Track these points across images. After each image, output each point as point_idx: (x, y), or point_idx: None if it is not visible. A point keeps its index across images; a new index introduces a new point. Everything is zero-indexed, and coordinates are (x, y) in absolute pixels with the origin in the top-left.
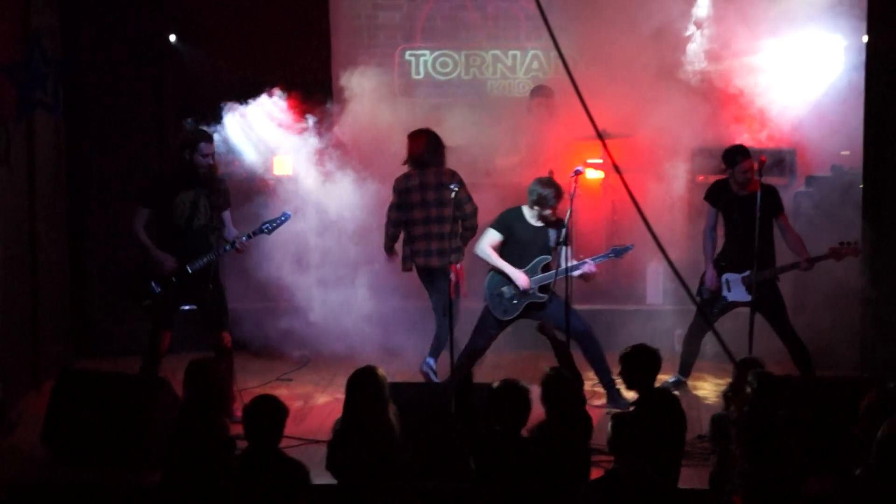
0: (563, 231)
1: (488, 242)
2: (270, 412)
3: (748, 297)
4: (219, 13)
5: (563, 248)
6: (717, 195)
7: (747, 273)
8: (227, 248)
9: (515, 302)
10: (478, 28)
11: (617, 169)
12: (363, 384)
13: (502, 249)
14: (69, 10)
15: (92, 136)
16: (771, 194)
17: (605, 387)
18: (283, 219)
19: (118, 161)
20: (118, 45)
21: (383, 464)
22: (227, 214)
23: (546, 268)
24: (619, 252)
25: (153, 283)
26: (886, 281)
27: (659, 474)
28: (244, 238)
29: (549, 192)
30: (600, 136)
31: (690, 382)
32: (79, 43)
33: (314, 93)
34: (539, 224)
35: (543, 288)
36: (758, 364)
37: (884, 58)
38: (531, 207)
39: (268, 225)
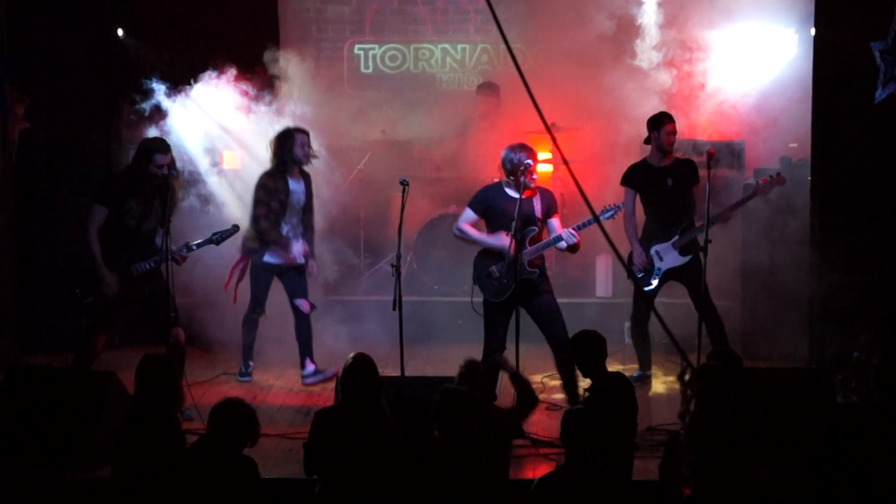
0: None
1: (464, 220)
2: (237, 419)
3: (683, 259)
4: (166, 7)
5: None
6: (633, 176)
7: (675, 238)
8: (178, 253)
9: (506, 281)
10: (427, 22)
11: (565, 161)
12: (359, 371)
13: (485, 228)
14: (15, 8)
15: (40, 131)
16: (687, 166)
17: (569, 399)
18: (233, 231)
19: (66, 157)
20: (65, 41)
21: (379, 453)
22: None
23: (534, 240)
24: (608, 214)
25: (96, 282)
26: (834, 273)
27: (610, 466)
28: (194, 246)
29: (520, 155)
30: (548, 128)
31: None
32: (26, 40)
33: (263, 87)
34: (521, 196)
35: (532, 263)
36: (722, 357)
37: (831, 49)
38: (508, 178)
39: (217, 235)
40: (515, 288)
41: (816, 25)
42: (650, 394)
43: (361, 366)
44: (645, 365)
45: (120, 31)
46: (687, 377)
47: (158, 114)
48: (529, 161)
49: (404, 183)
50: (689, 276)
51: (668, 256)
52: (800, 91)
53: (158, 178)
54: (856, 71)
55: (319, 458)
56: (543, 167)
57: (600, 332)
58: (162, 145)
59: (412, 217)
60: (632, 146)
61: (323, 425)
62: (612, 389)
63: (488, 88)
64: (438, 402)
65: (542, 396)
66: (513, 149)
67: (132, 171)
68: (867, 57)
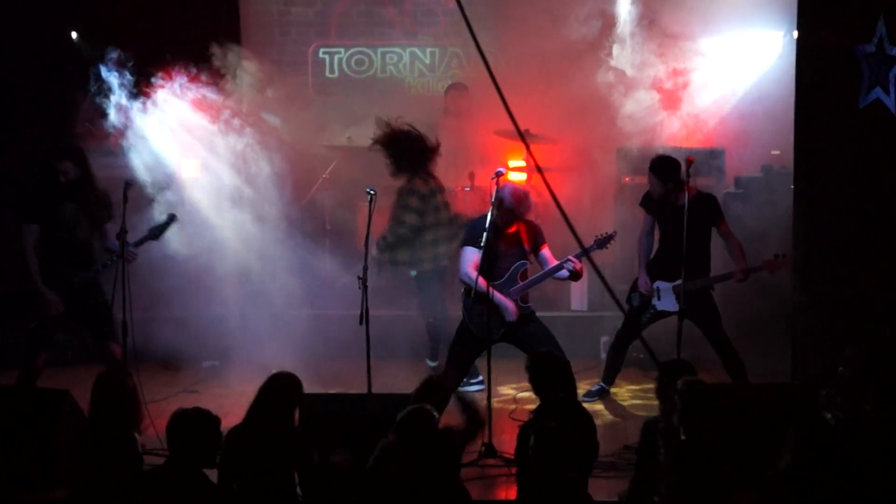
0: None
1: (469, 263)
2: (197, 428)
3: (677, 307)
4: (121, 9)
5: (542, 252)
6: (652, 202)
7: (678, 282)
8: (110, 260)
9: (499, 321)
10: (394, 25)
11: (539, 169)
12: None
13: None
14: None
15: None
16: (708, 202)
17: None
18: (170, 221)
19: (15, 167)
20: (18, 42)
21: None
22: (109, 227)
23: (524, 275)
24: (602, 242)
25: (36, 301)
26: (817, 287)
27: (566, 489)
28: (132, 246)
29: (504, 197)
30: (522, 136)
31: (617, 391)
32: None
33: (222, 91)
34: (509, 231)
35: (524, 298)
36: (688, 368)
37: (814, 53)
38: (498, 214)
39: (155, 229)
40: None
41: (798, 29)
42: (627, 410)
43: (277, 385)
44: (609, 380)
45: (73, 34)
46: (666, 393)
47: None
48: (501, 170)
49: (371, 192)
50: (695, 316)
51: (665, 299)
52: (781, 97)
53: (64, 182)
54: (839, 76)
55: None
56: (516, 175)
57: (571, 350)
58: (57, 151)
59: (380, 227)
60: (607, 153)
61: (232, 444)
62: (565, 414)
63: (458, 88)
64: (401, 419)
65: (513, 415)
66: (508, 188)
67: (46, 181)
68: (851, 61)
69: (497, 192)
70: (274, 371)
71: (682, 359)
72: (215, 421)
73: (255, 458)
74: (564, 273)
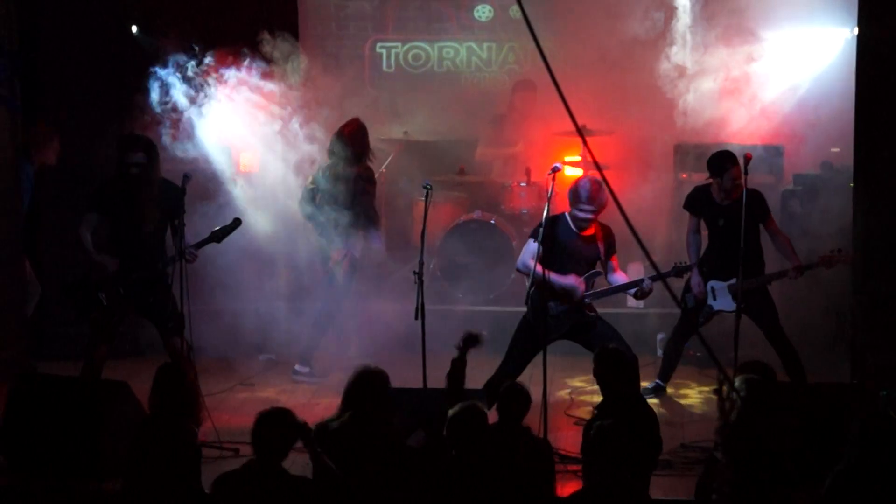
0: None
1: (529, 254)
2: (281, 428)
3: (734, 306)
4: (182, 4)
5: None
6: (697, 204)
7: (733, 281)
8: (175, 258)
9: (563, 318)
10: (451, 19)
11: (598, 166)
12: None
13: (543, 260)
14: (27, 4)
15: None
16: (756, 199)
17: None
18: (234, 225)
19: (76, 159)
20: (79, 37)
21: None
22: (177, 220)
23: (594, 284)
24: (680, 271)
25: (100, 294)
26: (877, 284)
27: (631, 484)
28: (192, 248)
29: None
30: (580, 132)
31: (673, 390)
32: (38, 36)
33: (282, 85)
34: (585, 234)
35: (590, 307)
36: (763, 370)
37: (874, 50)
38: (572, 212)
39: (217, 232)
40: (569, 329)
41: (859, 24)
42: (684, 408)
43: (368, 379)
44: (665, 378)
45: (134, 29)
46: (725, 391)
47: (173, 114)
48: (557, 165)
49: (427, 187)
50: (753, 313)
51: (721, 298)
52: (842, 93)
53: (133, 175)
54: None
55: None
56: (572, 171)
57: (631, 347)
58: (129, 142)
59: (436, 222)
60: (665, 149)
61: (325, 440)
62: (628, 411)
63: (527, 86)
64: (450, 422)
65: (569, 411)
66: (580, 184)
67: (116, 173)
68: None
69: (573, 191)
70: (360, 366)
71: (759, 361)
72: (294, 422)
73: (352, 452)
74: (633, 291)
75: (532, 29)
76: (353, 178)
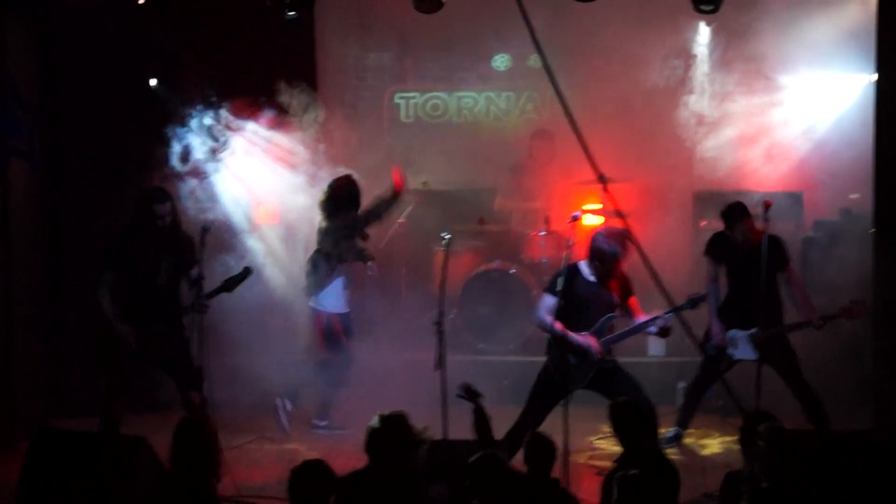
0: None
1: (546, 309)
2: (318, 480)
3: (755, 356)
4: (201, 55)
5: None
6: (717, 249)
7: (754, 330)
8: (190, 309)
9: (584, 369)
10: (469, 70)
11: (621, 215)
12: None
13: (561, 311)
14: (48, 57)
15: (71, 186)
16: (776, 245)
17: None
18: (245, 274)
19: (98, 213)
20: (99, 91)
21: None
22: (194, 272)
23: (612, 328)
24: (695, 302)
25: (118, 349)
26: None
27: None
28: (204, 298)
29: (615, 247)
30: (603, 179)
31: (694, 440)
32: (58, 90)
33: (300, 136)
34: (599, 280)
35: (608, 351)
36: (769, 418)
37: (893, 96)
38: (591, 263)
39: (229, 281)
40: (590, 379)
41: (878, 70)
42: (706, 458)
43: (390, 427)
44: (684, 424)
45: (153, 82)
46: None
47: (193, 165)
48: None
49: (447, 237)
50: (774, 362)
51: (742, 347)
52: (860, 139)
53: (162, 227)
54: None
55: None
56: (592, 219)
57: (651, 396)
58: (159, 195)
59: (455, 272)
60: (684, 196)
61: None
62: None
63: (544, 136)
64: (470, 470)
65: (590, 462)
66: (607, 237)
67: (137, 222)
68: None
69: (592, 244)
70: (380, 414)
71: (763, 410)
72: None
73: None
74: (654, 329)
75: (553, 78)
76: (332, 229)
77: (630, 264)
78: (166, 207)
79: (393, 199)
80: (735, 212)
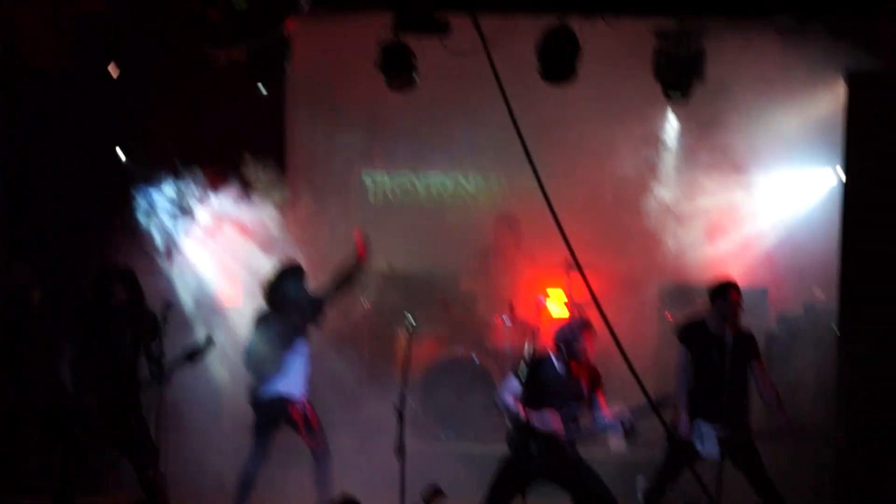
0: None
1: (509, 391)
2: None
3: (718, 457)
4: (170, 126)
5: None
6: (690, 335)
7: (720, 428)
8: (150, 382)
9: (546, 457)
10: (439, 152)
11: (597, 302)
12: None
13: (526, 399)
14: (14, 121)
15: (31, 254)
16: (747, 339)
17: None
18: (206, 344)
19: (58, 284)
20: (64, 158)
21: None
22: (154, 347)
23: (577, 419)
24: (662, 403)
25: (71, 423)
26: (859, 426)
27: None
28: (165, 371)
29: (575, 331)
30: (580, 268)
31: None
32: (23, 155)
33: (265, 213)
34: (567, 371)
35: (571, 443)
36: None
37: (859, 193)
38: (558, 352)
39: (190, 353)
40: (550, 471)
41: (845, 166)
42: None
43: None
44: None
45: (121, 154)
46: None
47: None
48: (542, 297)
49: (410, 320)
50: (738, 462)
51: (708, 443)
52: (825, 235)
53: (118, 304)
54: (887, 215)
55: None
56: (557, 309)
57: (612, 490)
58: (116, 270)
59: (418, 356)
60: (649, 287)
61: None
62: None
63: (507, 221)
64: None
65: None
66: (573, 327)
67: (95, 299)
68: None
69: (558, 333)
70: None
71: None
72: None
73: None
74: (620, 428)
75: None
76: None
77: (598, 351)
78: (117, 288)
79: (356, 268)
80: (726, 285)
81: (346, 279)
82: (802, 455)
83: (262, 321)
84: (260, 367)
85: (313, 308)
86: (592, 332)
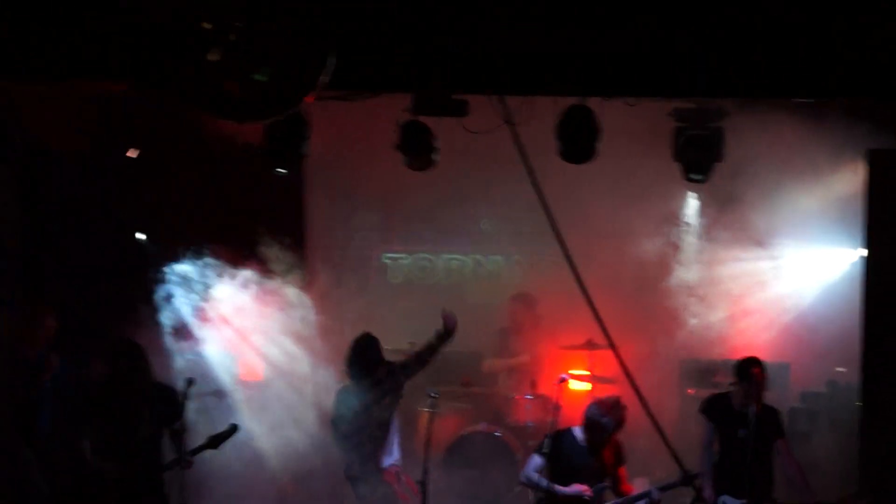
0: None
1: (533, 468)
2: None
3: None
4: (188, 211)
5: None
6: (715, 410)
7: (745, 502)
8: (172, 465)
9: None
10: (459, 232)
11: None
12: None
13: (549, 474)
14: (32, 204)
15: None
16: (771, 416)
17: None
18: (231, 431)
19: (77, 364)
20: (82, 240)
21: None
22: (176, 425)
23: (602, 496)
24: (688, 479)
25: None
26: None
27: None
28: (188, 454)
29: (608, 421)
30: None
31: None
32: (42, 237)
33: (286, 293)
34: (591, 448)
35: None
36: None
37: (881, 270)
38: (584, 430)
39: (214, 438)
40: None
41: (866, 244)
42: None
43: None
44: None
45: (140, 236)
46: None
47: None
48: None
49: (433, 395)
50: None
51: None
52: (847, 312)
53: (139, 383)
54: None
55: None
56: (579, 385)
57: None
58: (115, 348)
59: (440, 433)
60: (672, 366)
61: None
62: None
63: (523, 299)
64: None
65: None
66: (601, 408)
67: (113, 378)
68: None
69: (587, 413)
70: None
71: None
72: None
73: None
74: (646, 502)
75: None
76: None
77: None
78: (120, 363)
79: (443, 338)
80: (749, 362)
81: (431, 349)
82: None
83: (345, 393)
84: (349, 439)
85: (394, 376)
86: (620, 413)
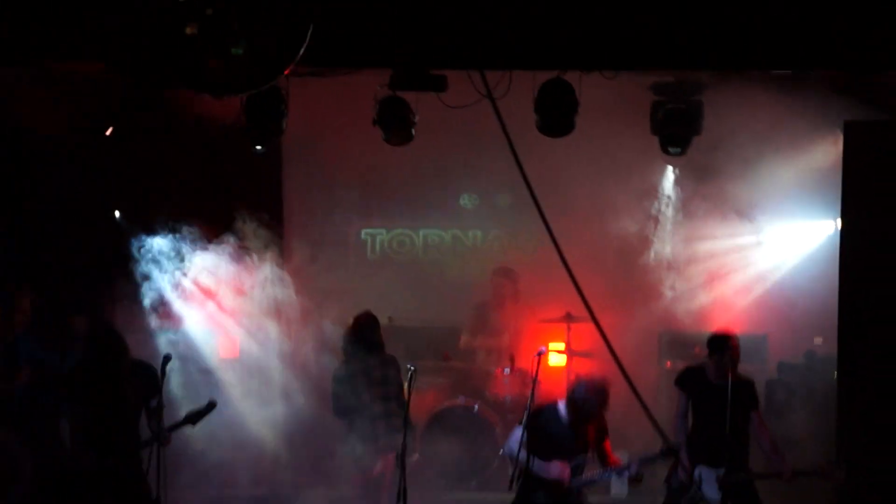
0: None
1: (516, 441)
2: None
3: (717, 496)
4: (165, 188)
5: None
6: (690, 382)
7: (721, 472)
8: (150, 442)
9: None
10: (437, 207)
11: (615, 357)
12: None
13: (532, 447)
14: (8, 185)
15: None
16: (747, 387)
17: None
18: (209, 408)
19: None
20: (59, 219)
21: None
22: (153, 402)
23: (582, 469)
24: (667, 452)
25: (73, 482)
26: (859, 468)
27: None
28: (166, 430)
29: (592, 401)
30: (595, 320)
31: None
32: (20, 217)
33: (264, 269)
34: (574, 423)
35: (577, 491)
36: None
37: (858, 242)
38: (567, 405)
39: (192, 415)
40: None
41: (843, 217)
42: None
43: None
44: None
45: (116, 213)
46: None
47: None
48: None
49: (412, 369)
50: (737, 503)
51: (708, 487)
52: (825, 283)
53: (117, 361)
54: (885, 264)
55: None
56: (556, 358)
57: None
58: (107, 329)
59: (419, 407)
60: (651, 339)
61: None
62: None
63: (506, 273)
64: None
65: None
66: (588, 389)
67: (90, 358)
68: None
69: (573, 392)
70: None
71: None
72: None
73: None
74: (626, 475)
75: (544, 216)
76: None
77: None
78: (118, 341)
79: None
80: (725, 337)
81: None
82: (803, 492)
83: (342, 373)
84: (350, 414)
85: (386, 367)
86: (605, 393)
